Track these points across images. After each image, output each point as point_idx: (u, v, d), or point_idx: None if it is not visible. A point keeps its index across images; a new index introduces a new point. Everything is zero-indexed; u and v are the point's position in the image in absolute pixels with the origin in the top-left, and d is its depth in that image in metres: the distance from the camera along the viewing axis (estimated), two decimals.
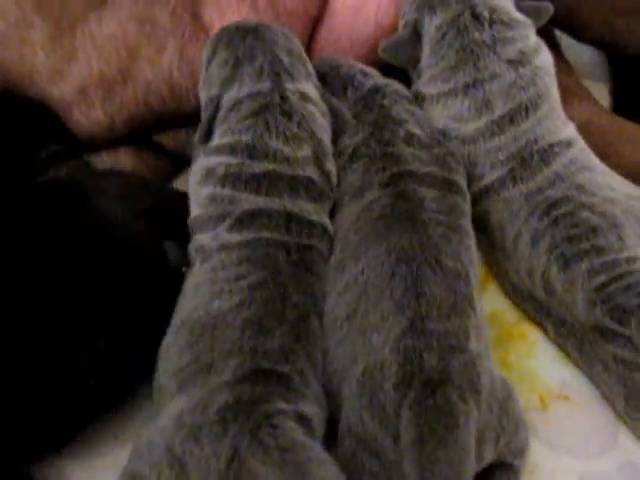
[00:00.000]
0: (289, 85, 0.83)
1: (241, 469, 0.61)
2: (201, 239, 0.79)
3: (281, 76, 0.83)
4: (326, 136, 0.85)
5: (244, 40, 0.85)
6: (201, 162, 0.83)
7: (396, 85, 0.92)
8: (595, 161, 0.89)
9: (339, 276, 0.76)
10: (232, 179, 0.79)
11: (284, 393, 0.67)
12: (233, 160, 0.80)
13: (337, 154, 0.86)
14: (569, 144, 0.88)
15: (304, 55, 0.88)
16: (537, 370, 0.84)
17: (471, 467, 0.63)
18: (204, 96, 0.87)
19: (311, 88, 0.85)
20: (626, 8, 1.01)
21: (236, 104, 0.82)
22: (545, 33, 0.96)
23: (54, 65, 0.93)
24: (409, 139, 0.85)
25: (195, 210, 0.82)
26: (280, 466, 0.61)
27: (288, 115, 0.82)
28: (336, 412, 0.71)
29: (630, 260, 0.78)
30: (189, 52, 0.95)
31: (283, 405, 0.65)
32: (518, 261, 0.84)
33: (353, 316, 0.72)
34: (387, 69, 0.96)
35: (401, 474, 0.64)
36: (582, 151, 0.89)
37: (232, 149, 0.81)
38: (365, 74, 0.93)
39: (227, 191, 0.79)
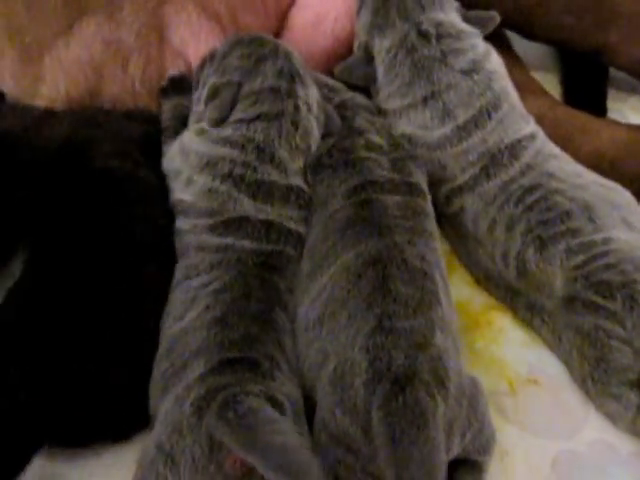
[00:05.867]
0: (300, 90, 0.87)
1: (220, 450, 0.64)
2: (181, 223, 0.82)
3: (295, 80, 0.87)
4: (315, 147, 0.88)
5: (266, 44, 0.89)
6: (202, 147, 0.85)
7: (358, 98, 0.96)
8: (558, 150, 0.93)
9: (310, 284, 0.78)
10: (235, 179, 0.82)
11: (253, 377, 0.69)
12: (241, 158, 0.82)
13: None
14: (533, 137, 0.92)
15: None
16: (505, 356, 0.86)
17: (443, 461, 0.65)
18: (211, 83, 0.88)
19: (315, 97, 0.89)
20: (574, 8, 1.04)
21: (258, 97, 0.85)
22: (494, 31, 0.99)
23: (23, 89, 0.95)
24: (369, 147, 0.88)
25: (180, 193, 0.84)
26: (236, 430, 0.63)
27: (296, 126, 0.85)
28: (312, 410, 0.73)
29: (606, 241, 0.81)
30: (152, 68, 0.98)
31: (251, 387, 0.68)
32: (492, 247, 0.87)
33: (323, 318, 0.75)
34: None
35: (376, 466, 0.66)
36: (545, 142, 0.93)
37: (243, 146, 0.83)
38: (331, 89, 0.96)
39: (225, 188, 0.81)
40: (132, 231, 0.80)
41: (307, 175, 0.86)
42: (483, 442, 0.73)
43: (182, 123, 0.92)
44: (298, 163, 0.85)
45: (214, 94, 0.87)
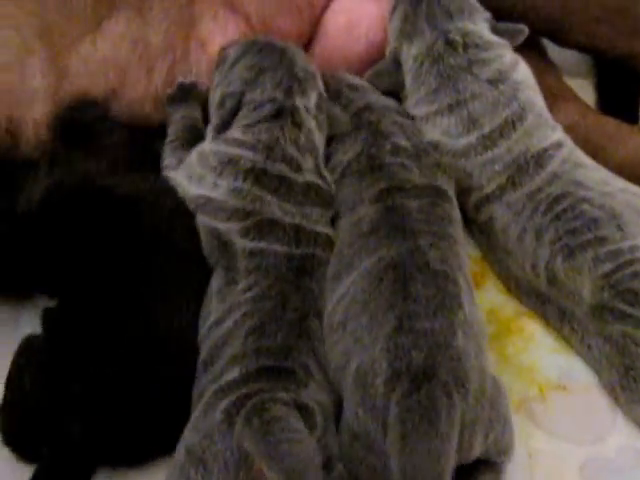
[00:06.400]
0: (298, 99, 0.89)
1: (248, 456, 0.66)
2: (211, 222, 0.84)
3: (293, 90, 0.89)
4: (322, 149, 0.91)
5: (271, 54, 0.92)
6: (220, 147, 0.88)
7: (386, 99, 0.97)
8: (585, 158, 0.93)
9: (335, 287, 0.80)
10: (257, 176, 0.84)
11: (286, 386, 0.71)
12: (256, 157, 0.85)
13: (330, 170, 0.92)
14: (559, 145, 0.93)
15: (317, 74, 0.94)
16: (535, 362, 0.87)
17: (451, 459, 0.66)
18: (219, 93, 0.93)
19: (314, 101, 0.91)
20: (605, 16, 1.05)
21: (259, 105, 0.88)
22: (529, 37, 1.00)
23: (47, 85, 0.96)
24: (395, 151, 0.89)
25: (196, 189, 0.86)
26: (257, 437, 0.65)
27: (298, 126, 0.88)
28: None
29: (633, 249, 0.82)
30: (176, 71, 1.00)
31: (282, 394, 0.70)
32: (522, 256, 0.88)
33: (346, 321, 0.76)
34: None
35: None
36: (572, 150, 0.93)
37: (254, 146, 0.86)
38: (353, 88, 0.98)
39: (248, 186, 0.84)
40: (173, 243, 0.82)
41: (324, 174, 0.89)
42: (504, 443, 0.74)
43: (192, 135, 0.95)
44: (309, 161, 0.88)
45: (222, 103, 0.91)
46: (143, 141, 0.95)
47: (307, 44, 1.06)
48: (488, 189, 0.92)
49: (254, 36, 0.98)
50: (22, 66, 0.94)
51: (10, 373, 0.78)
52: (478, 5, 0.99)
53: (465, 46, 0.95)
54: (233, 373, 0.72)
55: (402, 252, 0.77)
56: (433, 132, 0.94)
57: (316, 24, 1.06)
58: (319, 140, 0.90)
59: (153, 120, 1.00)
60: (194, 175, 0.88)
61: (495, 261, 0.94)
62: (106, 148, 0.91)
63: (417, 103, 0.96)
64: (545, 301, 0.88)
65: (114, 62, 0.97)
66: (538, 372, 0.86)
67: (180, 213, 0.85)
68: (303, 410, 0.70)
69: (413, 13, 0.98)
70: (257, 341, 0.74)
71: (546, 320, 0.89)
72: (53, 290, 0.83)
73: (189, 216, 0.85)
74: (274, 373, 0.72)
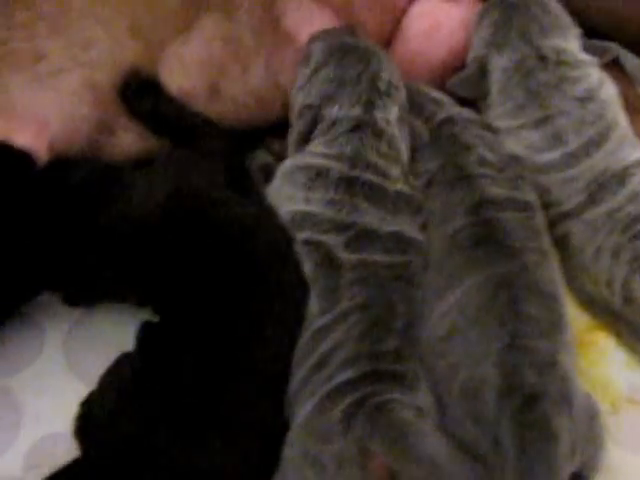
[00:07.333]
0: (378, 113, 0.90)
1: (368, 454, 0.69)
2: (313, 235, 0.84)
3: (374, 104, 0.90)
4: (407, 158, 0.92)
5: (356, 63, 0.92)
6: (302, 161, 0.88)
7: (466, 112, 0.98)
8: None
9: (438, 299, 0.82)
10: (347, 183, 0.85)
11: (399, 389, 0.74)
12: (342, 167, 0.86)
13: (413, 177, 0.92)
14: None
15: (400, 84, 0.95)
16: (607, 375, 0.89)
17: (565, 476, 0.70)
18: (300, 100, 0.93)
19: (395, 115, 0.91)
20: None
21: (336, 122, 0.89)
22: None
23: None
24: (482, 162, 0.90)
25: (290, 204, 0.86)
26: (389, 441, 0.68)
27: (378, 136, 0.89)
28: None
29: None
30: (274, 64, 1.00)
31: (396, 396, 0.72)
32: (598, 274, 0.90)
33: (453, 334, 0.79)
34: None
35: (501, 476, 0.70)
36: None
37: (338, 158, 0.87)
38: (436, 102, 0.98)
39: (341, 195, 0.85)
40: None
41: (412, 183, 0.90)
42: (596, 460, 0.76)
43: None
44: (396, 169, 0.89)
45: (300, 114, 0.92)
46: (236, 149, 0.95)
47: (386, 46, 1.06)
48: (567, 206, 0.93)
49: (341, 30, 0.98)
50: (115, 65, 0.95)
51: (99, 385, 0.78)
52: (570, 21, 1.00)
53: (557, 63, 0.96)
54: (347, 374, 0.74)
55: (510, 270, 0.80)
56: (516, 145, 0.95)
57: (396, 25, 1.06)
58: (404, 148, 0.91)
59: (257, 117, 1.01)
60: (282, 197, 0.87)
61: (569, 277, 0.94)
62: (208, 154, 0.91)
63: (501, 115, 0.97)
64: (618, 318, 0.90)
65: (210, 62, 0.98)
66: (610, 386, 0.88)
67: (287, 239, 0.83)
68: (417, 412, 0.72)
69: (504, 23, 0.98)
70: (369, 346, 0.76)
71: (619, 335, 0.91)
72: (150, 299, 0.82)
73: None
74: (388, 376, 0.74)
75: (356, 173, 0.86)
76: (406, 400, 0.72)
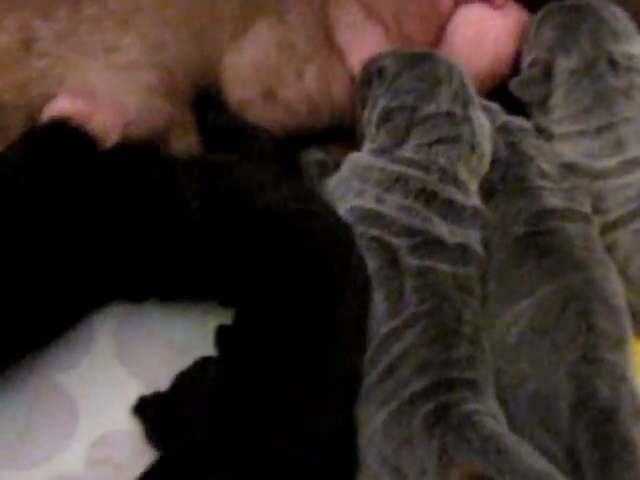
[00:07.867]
0: (474, 114, 0.89)
1: (450, 463, 0.69)
2: (382, 235, 0.83)
3: (469, 104, 0.89)
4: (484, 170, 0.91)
5: (438, 66, 0.91)
6: (387, 165, 0.86)
7: (519, 121, 0.97)
8: None
9: (503, 309, 0.82)
10: (427, 197, 0.84)
11: (474, 396, 0.74)
12: (428, 178, 0.85)
13: None
14: None
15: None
16: None
17: None
18: (380, 105, 0.90)
19: (486, 120, 0.91)
20: None
21: (435, 118, 0.87)
22: None
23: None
24: (541, 174, 0.90)
25: (357, 200, 0.86)
26: (484, 454, 0.68)
27: (472, 149, 0.87)
28: None
29: None
30: (327, 74, 1.00)
31: (477, 405, 0.72)
32: None
33: (521, 344, 0.79)
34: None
35: None
36: None
37: (427, 167, 0.85)
38: (487, 109, 0.97)
39: (419, 206, 0.84)
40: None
41: (480, 197, 0.89)
42: None
43: None
44: (475, 185, 0.88)
45: (387, 118, 0.89)
46: (286, 150, 0.95)
47: None
48: (616, 214, 0.92)
49: (397, 47, 0.98)
50: (183, 67, 0.94)
51: (177, 388, 0.78)
52: (635, 28, 0.99)
53: (628, 69, 0.95)
54: (421, 382, 0.74)
55: (578, 283, 0.81)
56: (571, 152, 0.94)
57: (440, 31, 1.06)
58: (487, 162, 0.90)
59: (305, 124, 1.01)
60: (351, 190, 0.87)
61: None
62: (256, 156, 0.91)
63: (562, 119, 0.96)
64: None
65: (266, 67, 0.98)
66: None
67: (347, 236, 0.83)
68: (495, 419, 0.73)
69: (572, 25, 0.97)
70: (441, 353, 0.76)
71: None
72: (231, 300, 0.83)
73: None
74: (461, 383, 0.74)
75: (439, 187, 0.85)
76: (483, 409, 0.72)
